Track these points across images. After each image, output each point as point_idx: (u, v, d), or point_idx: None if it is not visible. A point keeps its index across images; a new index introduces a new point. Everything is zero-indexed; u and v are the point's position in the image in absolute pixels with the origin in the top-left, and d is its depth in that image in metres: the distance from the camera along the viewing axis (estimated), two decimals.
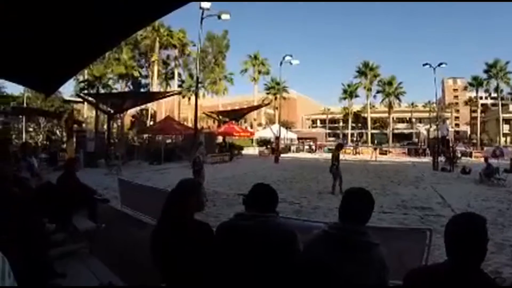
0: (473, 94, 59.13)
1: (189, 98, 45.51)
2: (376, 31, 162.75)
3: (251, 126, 59.45)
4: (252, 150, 37.59)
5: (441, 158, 21.60)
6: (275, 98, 52.90)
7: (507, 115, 55.28)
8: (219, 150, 27.05)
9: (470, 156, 31.94)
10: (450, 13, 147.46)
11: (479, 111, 57.67)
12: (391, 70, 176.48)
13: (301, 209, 8.49)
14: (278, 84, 48.63)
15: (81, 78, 38.26)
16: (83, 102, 32.52)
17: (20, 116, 29.41)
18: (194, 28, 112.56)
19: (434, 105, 56.62)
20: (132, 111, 38.58)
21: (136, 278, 3.33)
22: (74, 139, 19.21)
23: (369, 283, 1.70)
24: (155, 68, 44.29)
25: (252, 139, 45.56)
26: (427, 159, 27.27)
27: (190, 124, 33.79)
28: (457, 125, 76.10)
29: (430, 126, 45.91)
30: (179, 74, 48.51)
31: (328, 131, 68.11)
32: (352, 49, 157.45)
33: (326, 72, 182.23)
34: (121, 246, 4.81)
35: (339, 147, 12.34)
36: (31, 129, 31.15)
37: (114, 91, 39.30)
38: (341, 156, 11.85)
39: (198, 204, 2.19)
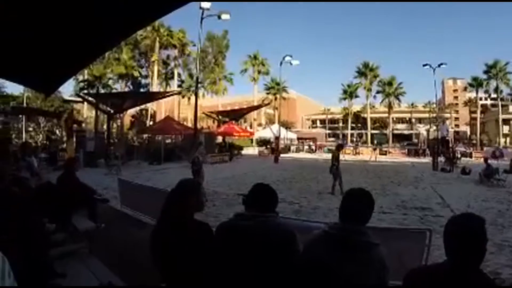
0: (473, 95, 59.15)
1: (189, 98, 45.52)
2: (376, 31, 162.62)
3: (251, 126, 59.44)
4: (251, 150, 37.60)
5: (441, 159, 21.62)
6: (275, 98, 52.91)
7: (506, 116, 55.25)
8: (218, 150, 27.04)
9: (470, 156, 31.95)
10: (450, 13, 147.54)
11: (478, 111, 57.63)
12: (391, 70, 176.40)
13: (300, 209, 8.48)
14: (278, 84, 48.62)
15: (81, 78, 38.26)
16: (83, 102, 32.56)
17: (20, 116, 29.41)
18: (194, 28, 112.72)
19: (434, 105, 56.64)
20: (132, 111, 38.61)
21: (136, 278, 3.33)
22: (74, 139, 19.21)
23: (369, 283, 1.70)
24: (155, 68, 44.29)
25: (251, 139, 45.59)
26: (427, 160, 27.27)
27: (190, 124, 33.81)
28: (457, 125, 76.11)
29: (430, 127, 45.96)
30: (179, 74, 48.58)
31: (328, 131, 68.12)
32: (352, 49, 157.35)
33: (326, 72, 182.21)
34: (120, 246, 4.81)
35: (339, 147, 12.35)
36: (31, 129, 31.15)
37: (114, 91, 39.29)
38: (341, 157, 11.86)
39: (198, 204, 2.19)
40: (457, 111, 78.99)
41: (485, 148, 40.50)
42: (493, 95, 53.78)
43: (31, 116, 29.89)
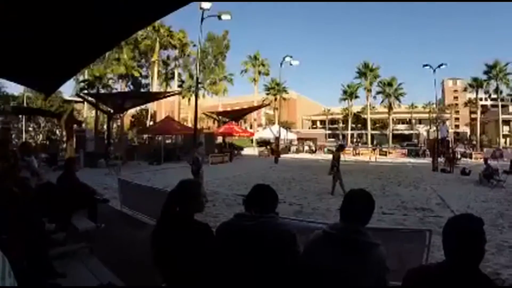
0: (473, 95, 59.05)
1: (189, 99, 45.46)
2: (376, 31, 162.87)
3: (251, 127, 59.46)
4: (251, 151, 37.59)
5: (441, 159, 21.62)
6: (275, 99, 52.88)
7: (506, 117, 55.27)
8: (219, 151, 27.06)
9: (470, 157, 31.95)
10: (450, 13, 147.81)
11: (479, 112, 57.59)
12: (391, 71, 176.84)
13: (301, 210, 8.48)
14: (278, 84, 48.63)
15: (81, 78, 38.24)
16: (83, 102, 32.57)
17: (20, 116, 29.43)
18: (195, 29, 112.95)
19: (434, 106, 56.64)
20: (132, 111, 38.64)
21: (136, 278, 3.33)
22: (74, 139, 19.21)
23: (369, 283, 1.70)
24: (155, 68, 44.23)
25: (252, 140, 45.59)
26: (427, 160, 27.24)
27: (190, 125, 33.81)
28: (457, 126, 76.21)
29: (430, 127, 45.97)
30: (179, 75, 48.49)
31: (328, 131, 68.20)
32: (352, 50, 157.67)
33: (326, 73, 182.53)
34: (121, 246, 4.81)
35: (340, 148, 12.35)
36: (31, 129, 31.17)
37: (114, 91, 39.28)
38: (341, 157, 11.83)
39: (198, 204, 2.19)
40: (457, 112, 79.02)
41: (485, 149, 40.51)
42: (493, 96, 53.74)
43: (31, 116, 29.90)
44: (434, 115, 50.28)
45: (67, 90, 62.70)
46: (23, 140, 26.80)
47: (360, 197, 1.90)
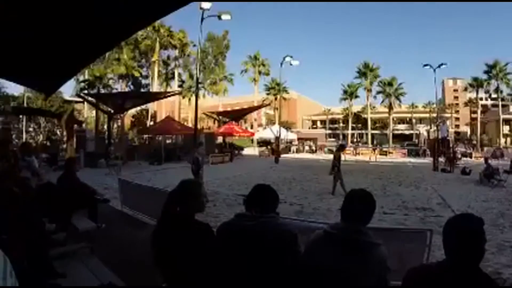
0: (473, 95, 59.01)
1: (189, 99, 45.46)
2: (377, 31, 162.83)
3: (251, 127, 59.44)
4: (252, 151, 37.61)
5: (441, 159, 21.61)
6: (275, 99, 52.83)
7: (507, 116, 55.17)
8: (219, 151, 27.07)
9: (470, 157, 31.93)
10: (450, 13, 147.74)
11: (479, 112, 57.49)
12: (392, 71, 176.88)
13: (301, 210, 8.48)
14: (278, 84, 48.57)
15: (81, 78, 38.29)
16: (83, 102, 32.56)
17: (20, 116, 29.43)
18: (195, 29, 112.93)
19: (434, 105, 56.60)
20: (132, 111, 38.60)
21: (136, 278, 3.33)
22: (74, 139, 19.22)
23: (370, 283, 1.70)
24: (156, 69, 44.22)
25: (252, 140, 45.59)
26: (427, 160, 27.27)
27: (190, 125, 33.81)
28: (457, 126, 76.13)
29: (430, 127, 45.92)
30: (180, 75, 48.49)
31: (328, 131, 68.16)
32: (353, 50, 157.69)
33: (326, 73, 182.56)
34: (121, 246, 4.81)
35: (341, 148, 12.35)
36: (31, 129, 31.18)
37: (114, 91, 39.32)
38: (342, 157, 11.82)
39: (199, 204, 2.19)
40: (457, 111, 78.91)
41: (485, 148, 40.50)
42: (494, 95, 53.71)
43: (32, 116, 29.91)
44: (435, 114, 50.15)
45: (67, 90, 62.61)
46: (24, 140, 26.81)
47: (361, 197, 1.90)
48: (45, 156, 17.16)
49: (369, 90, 57.61)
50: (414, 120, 69.92)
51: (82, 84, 38.38)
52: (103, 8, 2.51)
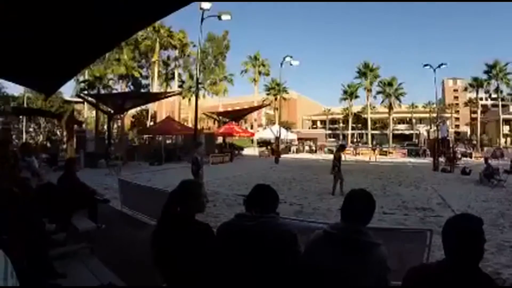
0: (473, 95, 59.02)
1: (189, 99, 45.46)
2: (377, 31, 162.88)
3: (251, 127, 59.42)
4: (252, 151, 37.60)
5: (441, 159, 21.61)
6: (275, 99, 52.84)
7: (507, 116, 55.18)
8: (219, 151, 27.08)
9: (470, 157, 31.92)
10: (450, 13, 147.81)
11: (479, 112, 57.51)
12: (392, 71, 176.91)
13: (301, 210, 8.48)
14: (278, 84, 48.57)
15: (81, 78, 38.29)
16: (83, 103, 32.56)
17: (20, 117, 29.43)
18: (195, 29, 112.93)
19: (434, 105, 56.59)
20: (132, 111, 38.65)
21: (136, 278, 3.33)
22: (75, 140, 19.23)
23: (370, 283, 1.70)
24: (156, 69, 44.23)
25: (252, 140, 45.59)
26: (427, 160, 27.27)
27: (190, 125, 33.81)
28: (457, 126, 76.13)
29: (430, 127, 45.90)
30: (179, 75, 48.50)
31: (328, 131, 68.16)
32: (353, 50, 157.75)
33: (326, 73, 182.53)
34: (121, 247, 4.81)
35: (341, 148, 12.34)
36: (31, 130, 31.18)
37: (114, 91, 39.32)
38: (342, 157, 11.81)
39: (199, 205, 2.19)
40: (457, 111, 78.92)
41: (485, 148, 40.49)
42: (494, 95, 53.71)
43: (32, 116, 29.91)
44: (435, 114, 50.16)
45: (67, 90, 62.83)
46: (24, 140, 26.84)
47: (360, 197, 1.90)
48: (45, 156, 17.13)
49: (369, 90, 57.64)
50: (414, 120, 69.94)
51: (82, 84, 38.39)
52: (103, 8, 2.51)
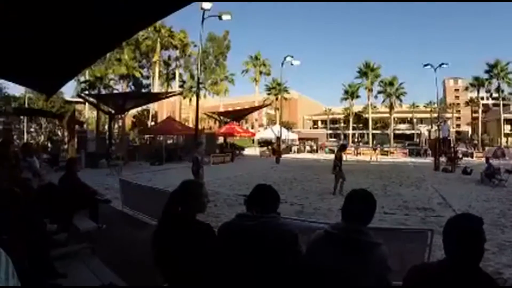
0: (474, 95, 58.88)
1: (190, 99, 45.50)
2: (377, 31, 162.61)
3: (252, 127, 59.44)
4: (253, 151, 37.59)
5: (442, 159, 21.58)
6: (276, 99, 52.82)
7: (508, 116, 55.06)
8: (220, 151, 27.09)
9: (471, 156, 31.86)
10: (450, 13, 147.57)
11: (480, 111, 57.41)
12: (392, 70, 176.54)
13: (302, 210, 8.47)
14: (279, 84, 48.60)
15: (82, 78, 38.35)
16: (84, 103, 32.61)
17: (22, 117, 29.48)
18: (195, 29, 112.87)
19: (435, 105, 56.52)
20: (133, 111, 38.69)
21: (137, 278, 3.33)
22: (76, 140, 19.25)
23: (371, 283, 1.70)
24: (156, 69, 44.27)
25: (253, 140, 45.60)
26: (428, 160, 27.25)
27: (191, 125, 33.86)
28: (458, 125, 75.95)
29: (431, 127, 45.82)
30: (180, 75, 48.53)
31: (329, 131, 68.09)
32: (353, 50, 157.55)
33: (327, 73, 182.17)
34: (122, 247, 4.81)
35: (342, 148, 12.33)
36: (32, 130, 31.24)
37: (115, 91, 39.36)
38: (343, 157, 11.79)
39: (200, 204, 2.19)
40: (458, 111, 78.75)
41: (486, 148, 40.39)
42: (495, 95, 53.61)
43: (33, 117, 29.96)
44: (436, 114, 50.07)
45: (68, 90, 62.94)
46: (25, 141, 26.88)
47: (361, 197, 1.90)
48: (46, 156, 17.17)
49: (370, 90, 57.58)
50: (415, 120, 69.79)
51: (83, 84, 38.46)
52: (104, 9, 2.52)
